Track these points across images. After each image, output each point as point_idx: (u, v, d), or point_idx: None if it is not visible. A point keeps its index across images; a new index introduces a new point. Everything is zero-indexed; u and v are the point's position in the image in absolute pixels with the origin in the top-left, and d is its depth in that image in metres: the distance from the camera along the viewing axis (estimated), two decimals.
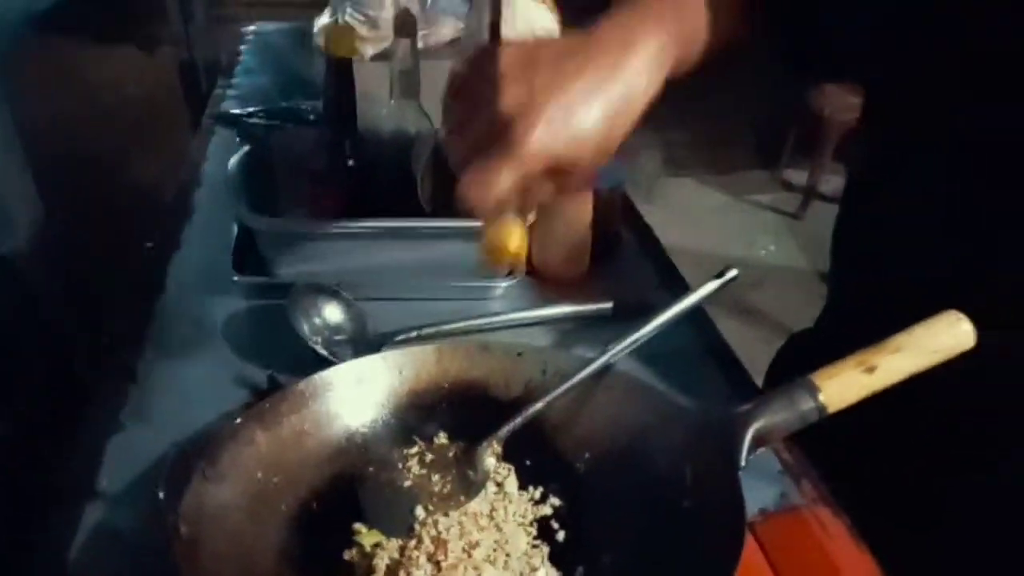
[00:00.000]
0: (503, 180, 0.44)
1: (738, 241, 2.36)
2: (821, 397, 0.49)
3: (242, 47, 1.36)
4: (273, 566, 0.49)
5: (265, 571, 0.48)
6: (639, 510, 0.53)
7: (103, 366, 0.63)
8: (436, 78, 0.54)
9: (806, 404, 0.49)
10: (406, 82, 0.77)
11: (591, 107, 0.45)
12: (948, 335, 0.49)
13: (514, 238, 0.51)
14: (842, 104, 2.52)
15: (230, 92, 1.16)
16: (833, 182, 2.73)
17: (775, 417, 0.49)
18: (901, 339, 0.49)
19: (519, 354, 0.63)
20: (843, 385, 0.49)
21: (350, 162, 0.74)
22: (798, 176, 2.73)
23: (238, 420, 0.53)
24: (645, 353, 0.62)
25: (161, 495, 0.43)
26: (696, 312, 0.74)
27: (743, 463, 0.48)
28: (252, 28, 1.45)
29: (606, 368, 0.60)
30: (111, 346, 0.64)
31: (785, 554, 0.53)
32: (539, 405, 0.58)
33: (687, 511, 0.51)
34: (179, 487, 0.47)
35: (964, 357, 0.50)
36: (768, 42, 0.58)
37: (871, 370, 0.49)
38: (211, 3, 1.90)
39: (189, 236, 0.82)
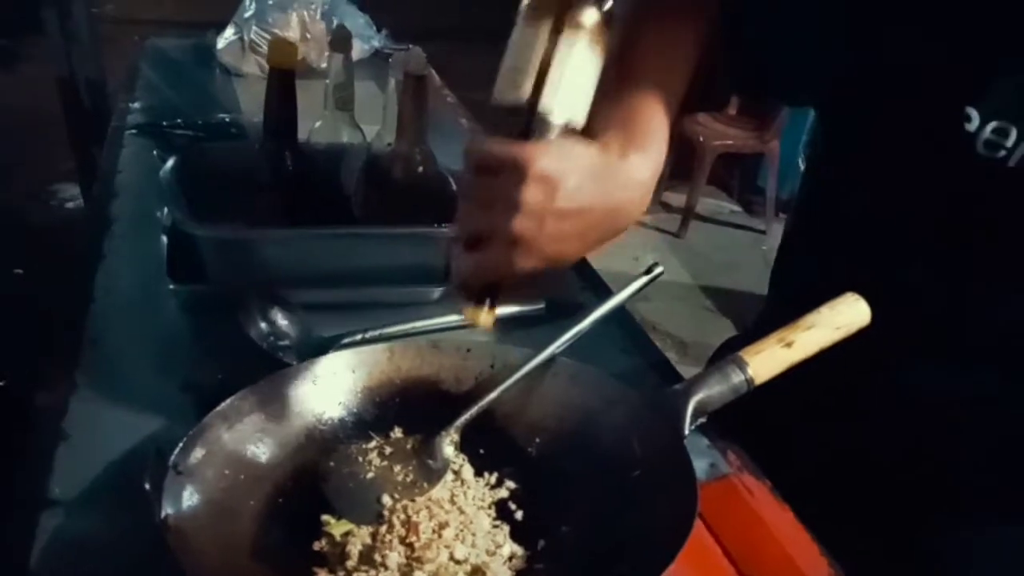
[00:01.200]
0: (490, 278, 0.54)
1: (625, 258, 2.50)
2: (749, 371, 0.55)
3: (140, 63, 1.32)
4: (250, 560, 0.50)
5: (244, 565, 0.49)
6: (592, 484, 0.58)
7: (40, 376, 0.60)
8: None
9: (737, 377, 0.55)
10: (340, 95, 0.79)
11: (590, 244, 0.55)
12: (850, 313, 0.58)
13: (486, 318, 0.56)
14: (715, 132, 2.73)
15: (134, 106, 1.13)
16: (708, 204, 2.94)
17: (711, 390, 0.55)
18: (812, 317, 0.57)
19: (468, 350, 0.67)
20: (767, 359, 0.56)
21: (290, 171, 0.75)
22: (677, 198, 2.92)
23: (204, 420, 0.54)
24: (579, 348, 0.67)
25: (147, 487, 0.43)
26: (619, 312, 0.81)
27: (687, 431, 0.54)
28: (148, 43, 1.41)
29: (551, 359, 0.64)
30: (46, 359, 0.62)
31: (720, 517, 0.59)
32: (493, 395, 0.62)
33: (638, 480, 0.56)
34: (158, 485, 0.47)
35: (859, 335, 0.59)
36: (725, 72, 0.64)
37: (789, 345, 0.56)
38: (93, 21, 1.83)
39: (112, 247, 0.80)
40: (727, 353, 0.86)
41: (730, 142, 2.73)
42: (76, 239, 0.79)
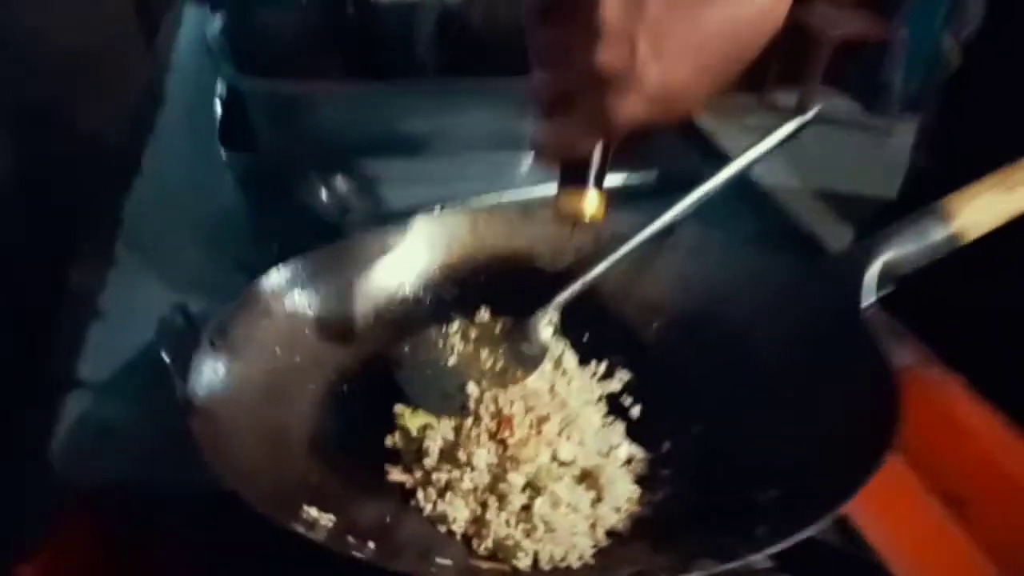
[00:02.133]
0: (587, 146, 0.40)
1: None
2: (954, 224, 0.41)
3: None
4: (305, 452, 0.40)
5: (296, 458, 0.39)
6: (729, 374, 0.46)
7: (79, 251, 0.53)
8: None
9: (938, 233, 0.41)
10: None
11: (705, 73, 0.38)
12: None
13: (591, 205, 0.42)
14: (833, 20, 2.43)
15: None
16: (823, 103, 2.65)
17: (903, 248, 0.41)
18: None
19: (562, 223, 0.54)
20: (980, 209, 0.41)
21: (354, 24, 0.64)
22: (786, 98, 2.64)
23: (250, 288, 0.44)
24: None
25: (165, 356, 0.34)
26: (744, 184, 0.66)
27: (868, 302, 0.40)
28: None
29: (671, 227, 0.51)
30: (87, 230, 0.54)
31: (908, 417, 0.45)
32: (600, 268, 0.50)
33: (794, 367, 0.43)
34: (184, 357, 0.37)
35: None
36: None
37: (1013, 188, 0.41)
38: None
39: (165, 122, 0.71)
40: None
41: (851, 31, 2.43)
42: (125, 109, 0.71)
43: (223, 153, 0.62)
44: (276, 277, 0.46)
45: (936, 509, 0.43)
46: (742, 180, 0.53)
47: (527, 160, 0.68)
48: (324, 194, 0.59)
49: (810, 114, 0.53)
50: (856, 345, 0.40)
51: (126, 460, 0.39)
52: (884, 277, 0.42)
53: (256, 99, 0.61)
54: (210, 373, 0.38)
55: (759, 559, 0.33)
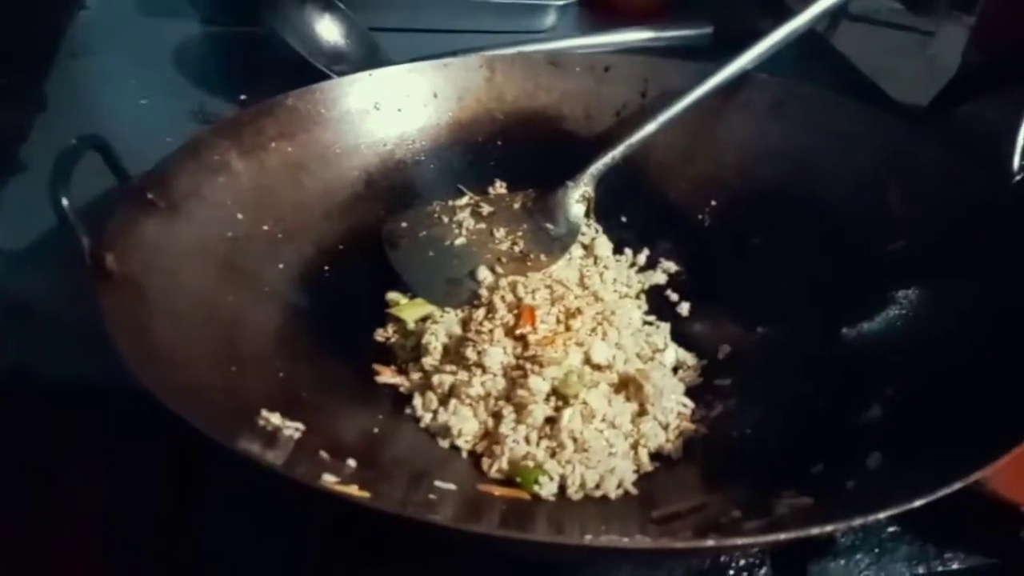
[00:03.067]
0: None
1: None
2: None
3: None
4: (269, 342, 0.31)
5: (255, 347, 0.30)
6: (810, 264, 0.36)
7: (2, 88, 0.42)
8: None
9: None
10: None
11: None
12: None
13: None
14: None
15: None
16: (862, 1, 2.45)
17: None
18: None
19: (606, 69, 0.43)
20: None
21: None
22: None
23: (198, 133, 0.34)
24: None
25: (64, 202, 0.25)
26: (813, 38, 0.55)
27: (1018, 167, 0.30)
28: None
29: (739, 79, 0.41)
30: (13, 64, 0.43)
31: None
32: (648, 129, 0.39)
33: (903, 254, 0.33)
34: (100, 207, 0.28)
35: None
36: None
37: None
38: None
39: None
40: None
41: None
42: None
43: None
44: (236, 121, 0.36)
45: None
46: (813, 37, 0.42)
47: (553, 6, 0.56)
48: (309, 37, 0.47)
49: None
50: (1006, 227, 0.30)
51: (37, 343, 0.31)
52: None
53: None
54: (136, 231, 0.29)
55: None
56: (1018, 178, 0.30)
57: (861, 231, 0.35)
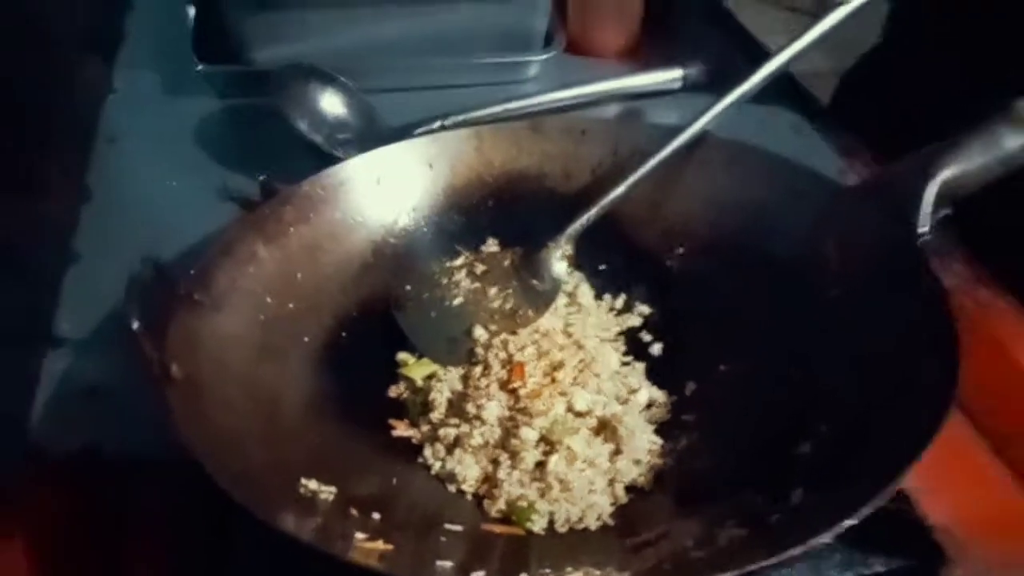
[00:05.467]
0: None
1: None
2: None
3: None
4: (301, 412, 0.37)
5: (294, 421, 0.37)
6: (762, 308, 0.42)
7: (48, 183, 0.48)
8: None
9: (1014, 139, 0.35)
10: None
11: None
12: None
13: None
14: None
15: None
16: None
17: (968, 162, 0.36)
18: None
19: (582, 132, 0.49)
20: None
21: None
22: None
23: (231, 231, 0.40)
24: (733, 132, 0.48)
25: (134, 325, 0.31)
26: (786, 83, 0.60)
27: (925, 227, 0.35)
28: None
29: (699, 139, 0.46)
30: (55, 159, 0.49)
31: None
32: (619, 190, 0.45)
33: (837, 302, 0.39)
34: (159, 318, 0.34)
35: None
36: None
37: None
38: None
39: (134, 28, 0.65)
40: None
41: None
42: (89, 18, 0.64)
43: (199, 66, 0.57)
44: (260, 216, 0.42)
45: (978, 446, 0.40)
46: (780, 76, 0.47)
47: (537, 61, 0.61)
48: (312, 111, 0.53)
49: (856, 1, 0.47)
50: (914, 284, 0.35)
51: (106, 424, 0.37)
52: (943, 197, 0.37)
53: (232, 4, 0.55)
54: (194, 331, 0.35)
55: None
56: (922, 239, 0.35)
57: (804, 279, 0.41)
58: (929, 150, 0.37)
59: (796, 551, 0.27)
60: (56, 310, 0.42)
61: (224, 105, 0.58)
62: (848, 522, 0.27)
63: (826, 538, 0.27)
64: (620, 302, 0.46)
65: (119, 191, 0.49)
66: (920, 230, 0.35)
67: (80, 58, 0.57)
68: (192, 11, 0.61)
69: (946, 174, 0.35)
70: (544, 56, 0.61)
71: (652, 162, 0.45)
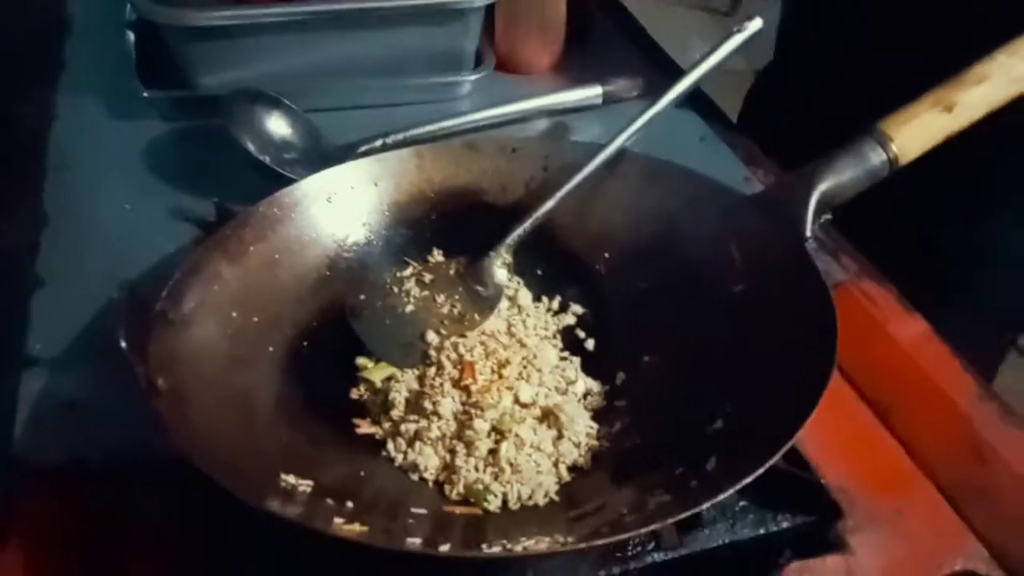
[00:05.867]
0: None
1: (670, 45, 2.24)
2: (893, 147, 0.42)
3: None
4: (273, 415, 0.41)
5: (265, 424, 0.40)
6: (677, 304, 0.47)
7: (5, 211, 0.50)
8: None
9: (877, 157, 0.42)
10: None
11: None
12: None
13: None
14: None
15: None
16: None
17: (841, 176, 0.42)
18: (983, 68, 0.42)
19: (513, 150, 0.54)
20: (918, 130, 0.42)
21: None
22: None
23: (196, 252, 0.43)
24: (649, 145, 0.53)
25: (123, 344, 0.34)
26: (696, 97, 0.66)
27: (809, 232, 0.42)
28: None
29: (618, 154, 0.51)
30: (7, 190, 0.51)
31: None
32: (549, 204, 0.50)
33: (741, 296, 0.45)
34: (137, 337, 0.37)
35: None
36: None
37: (949, 109, 0.42)
38: None
39: (73, 54, 0.66)
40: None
41: None
42: (27, 46, 0.65)
43: (144, 92, 0.59)
44: (222, 237, 0.45)
45: (865, 414, 0.47)
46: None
47: (470, 79, 0.66)
48: (259, 132, 0.56)
49: (754, 27, 0.53)
50: (800, 277, 0.42)
51: (88, 435, 0.39)
52: (823, 204, 0.43)
53: (174, 32, 0.57)
54: (171, 346, 0.38)
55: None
56: (807, 242, 0.42)
57: (712, 278, 0.47)
58: (810, 166, 0.43)
59: (705, 505, 0.32)
60: (27, 332, 0.44)
61: (171, 128, 0.60)
62: (746, 479, 0.32)
63: (728, 493, 0.32)
64: (556, 303, 0.51)
65: (75, 216, 0.51)
66: (806, 234, 0.42)
67: (22, 88, 0.59)
68: (132, 37, 0.62)
69: (824, 186, 0.42)
70: (476, 76, 0.65)
71: (578, 178, 0.50)
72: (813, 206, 0.42)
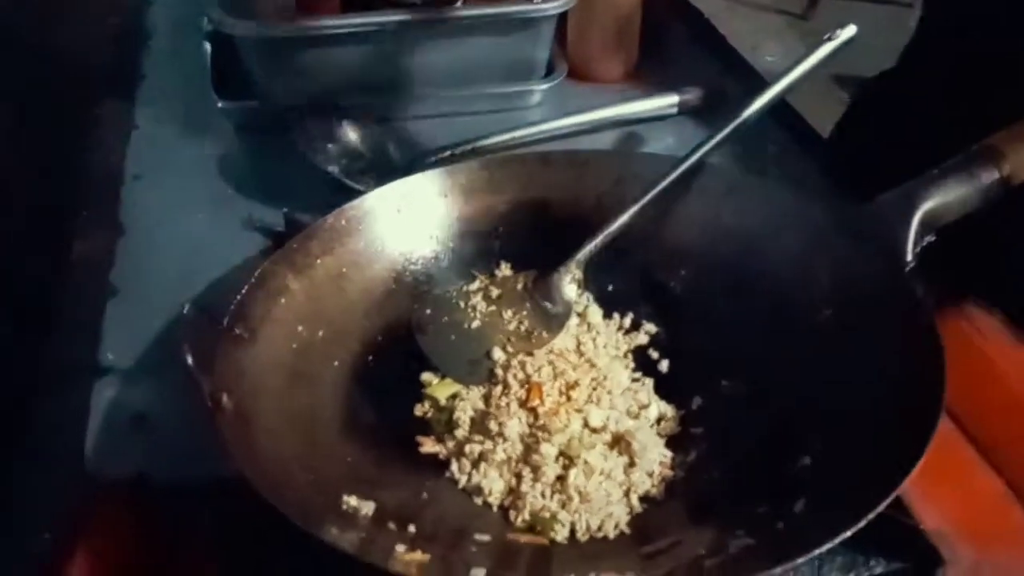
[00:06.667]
0: None
1: (740, 47, 2.17)
2: (1007, 165, 0.38)
3: None
4: (337, 435, 0.40)
5: (330, 443, 0.39)
6: (760, 327, 0.44)
7: (79, 221, 0.51)
8: None
9: (988, 175, 0.38)
10: None
11: None
12: None
13: None
14: None
15: None
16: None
17: (949, 194, 0.39)
18: None
19: (585, 163, 0.52)
20: None
21: None
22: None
23: (263, 266, 0.43)
24: (722, 156, 0.51)
25: (190, 361, 0.33)
26: (781, 108, 0.62)
27: (910, 255, 0.39)
28: None
29: (697, 167, 0.49)
30: (87, 197, 0.52)
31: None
32: (623, 219, 0.48)
33: (829, 323, 0.42)
34: (205, 353, 0.36)
35: None
36: None
37: None
38: None
39: (152, 63, 0.67)
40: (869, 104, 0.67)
41: None
42: (106, 56, 0.67)
43: (219, 103, 0.59)
44: (289, 250, 0.44)
45: (968, 453, 0.43)
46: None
47: (540, 89, 0.64)
48: (328, 144, 0.56)
49: (847, 34, 0.50)
50: (900, 305, 0.38)
51: (157, 448, 0.39)
52: (927, 225, 0.40)
53: (248, 43, 0.58)
54: (238, 364, 0.38)
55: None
56: (910, 267, 0.38)
57: (797, 302, 0.43)
58: (913, 183, 0.40)
59: (800, 560, 0.30)
60: (100, 342, 0.44)
61: (244, 139, 0.60)
62: (847, 533, 0.29)
63: (827, 547, 0.30)
64: (628, 321, 0.49)
65: (150, 226, 0.52)
66: (907, 258, 0.38)
67: (103, 98, 0.60)
68: (208, 47, 0.63)
69: (928, 206, 0.38)
70: (547, 84, 0.64)
71: (653, 192, 0.48)
72: (915, 229, 0.38)
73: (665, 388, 0.45)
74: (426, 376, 0.45)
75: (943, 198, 0.39)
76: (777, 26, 2.46)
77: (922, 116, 0.59)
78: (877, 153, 0.59)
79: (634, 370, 0.46)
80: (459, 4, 0.59)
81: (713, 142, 0.48)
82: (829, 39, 0.49)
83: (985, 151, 0.39)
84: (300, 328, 0.43)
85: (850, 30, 0.48)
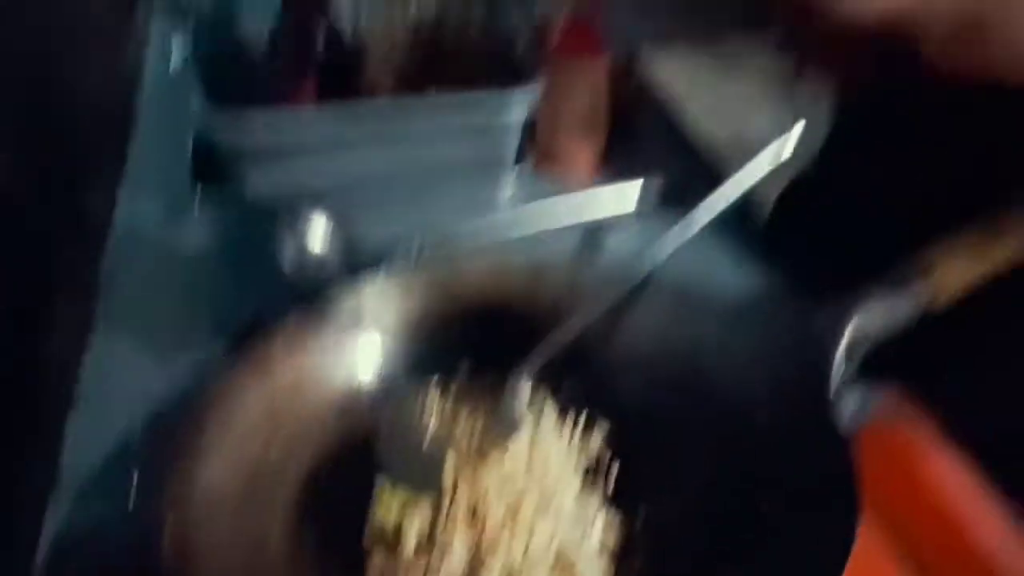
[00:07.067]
0: None
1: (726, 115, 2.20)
2: (936, 281, 0.40)
3: None
4: (286, 549, 0.41)
5: (276, 559, 0.40)
6: (703, 435, 0.46)
7: (57, 318, 0.52)
8: None
9: (923, 293, 0.40)
10: None
11: None
12: None
13: None
14: None
15: None
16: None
17: (883, 313, 0.40)
18: None
19: (543, 270, 0.54)
20: (958, 271, 0.40)
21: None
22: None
23: (219, 378, 0.44)
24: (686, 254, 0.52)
25: (135, 478, 0.35)
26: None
27: (838, 376, 0.40)
28: None
29: (645, 280, 0.51)
30: (62, 290, 0.53)
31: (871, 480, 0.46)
32: (577, 327, 0.49)
33: (764, 432, 0.43)
34: (159, 466, 0.38)
35: None
36: None
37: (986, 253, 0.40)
38: None
39: (140, 146, 0.70)
40: None
41: None
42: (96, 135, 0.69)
43: (199, 190, 0.61)
44: (249, 355, 0.46)
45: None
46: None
47: (508, 181, 0.66)
48: (297, 246, 0.57)
49: (793, 137, 0.52)
50: (825, 425, 0.40)
51: (110, 565, 0.40)
52: (858, 341, 0.41)
53: (225, 135, 0.60)
54: (190, 479, 0.39)
55: None
56: (844, 378, 0.40)
57: (737, 408, 0.45)
58: (844, 301, 0.42)
59: None
60: (60, 451, 0.45)
61: (220, 231, 0.62)
62: None
63: None
64: (583, 419, 0.50)
65: (121, 328, 0.53)
66: (831, 372, 0.40)
67: (90, 175, 0.62)
68: (192, 134, 0.65)
69: (860, 323, 0.40)
70: (513, 177, 0.66)
71: (606, 304, 0.50)
72: (844, 344, 0.40)
73: (615, 493, 0.46)
74: (380, 485, 0.46)
75: (876, 316, 0.40)
76: (765, 89, 2.49)
77: (845, 202, 0.61)
78: (812, 234, 0.61)
79: (585, 474, 0.47)
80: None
81: (661, 257, 0.50)
82: (778, 140, 0.51)
83: (920, 267, 0.40)
84: (255, 446, 0.44)
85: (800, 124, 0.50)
